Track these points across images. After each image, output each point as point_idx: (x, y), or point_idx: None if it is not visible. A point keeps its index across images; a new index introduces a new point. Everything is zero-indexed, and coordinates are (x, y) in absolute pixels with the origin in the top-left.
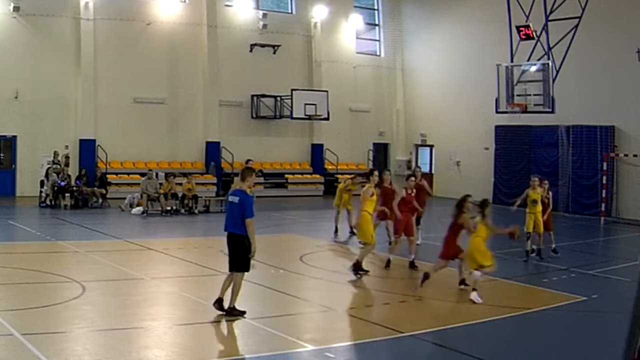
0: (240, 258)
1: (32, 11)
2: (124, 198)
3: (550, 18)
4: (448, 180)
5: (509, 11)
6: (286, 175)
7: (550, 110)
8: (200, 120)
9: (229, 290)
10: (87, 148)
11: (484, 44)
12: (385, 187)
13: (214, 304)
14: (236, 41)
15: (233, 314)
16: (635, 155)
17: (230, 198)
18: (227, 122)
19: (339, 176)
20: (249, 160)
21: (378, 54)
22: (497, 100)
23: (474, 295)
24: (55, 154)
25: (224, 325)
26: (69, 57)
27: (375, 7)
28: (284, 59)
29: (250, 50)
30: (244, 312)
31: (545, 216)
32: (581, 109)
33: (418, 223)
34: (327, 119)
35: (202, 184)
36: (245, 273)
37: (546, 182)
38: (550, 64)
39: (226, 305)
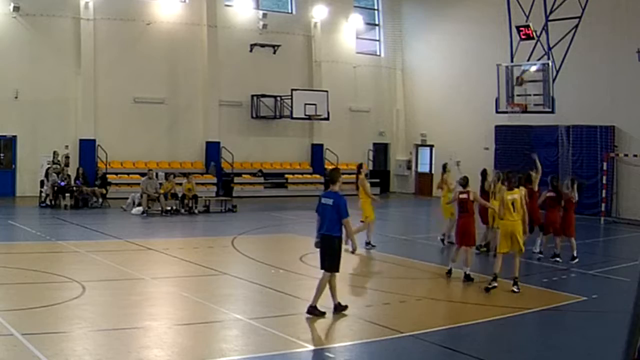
0: (331, 258)
1: (32, 11)
2: (124, 198)
3: (550, 18)
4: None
5: (509, 11)
6: (286, 175)
7: (550, 110)
8: (200, 120)
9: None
10: (87, 148)
11: (484, 44)
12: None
13: (308, 312)
14: (236, 41)
15: (314, 313)
16: (635, 155)
17: (323, 200)
18: (227, 122)
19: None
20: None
21: (378, 54)
22: (497, 100)
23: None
24: (55, 154)
25: (223, 325)
26: (69, 57)
27: (375, 7)
28: (284, 59)
29: (250, 50)
30: (324, 313)
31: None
32: (581, 109)
33: (541, 230)
34: (327, 119)
35: (202, 184)
36: (243, 276)
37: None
38: (550, 64)
39: (312, 304)
